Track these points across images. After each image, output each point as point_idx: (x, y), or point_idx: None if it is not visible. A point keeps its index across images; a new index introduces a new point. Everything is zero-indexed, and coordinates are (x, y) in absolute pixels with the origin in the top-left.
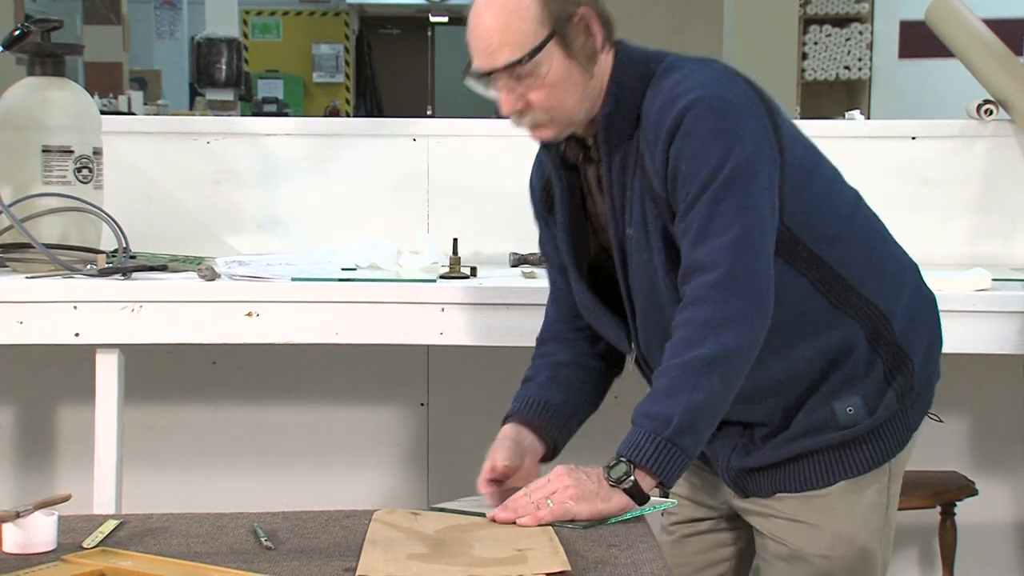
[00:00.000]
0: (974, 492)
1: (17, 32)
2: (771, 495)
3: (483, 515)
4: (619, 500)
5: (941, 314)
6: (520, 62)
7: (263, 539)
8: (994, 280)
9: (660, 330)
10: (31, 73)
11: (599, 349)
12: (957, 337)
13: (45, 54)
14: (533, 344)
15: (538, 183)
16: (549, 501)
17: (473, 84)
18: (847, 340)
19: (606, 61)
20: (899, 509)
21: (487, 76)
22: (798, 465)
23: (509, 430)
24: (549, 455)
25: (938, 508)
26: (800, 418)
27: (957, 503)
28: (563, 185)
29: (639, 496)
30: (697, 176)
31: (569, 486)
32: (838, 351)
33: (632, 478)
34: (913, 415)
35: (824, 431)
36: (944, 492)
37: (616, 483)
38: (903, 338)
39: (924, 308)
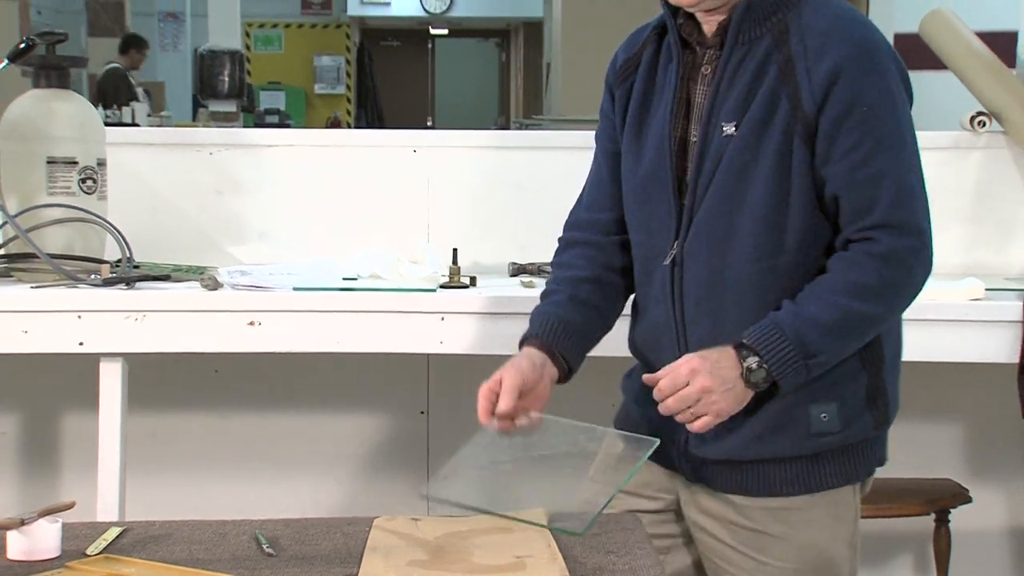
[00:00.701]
0: (968, 499)
1: (23, 45)
2: (730, 492)
3: (485, 512)
4: (746, 398)
5: (936, 323)
6: None
7: (265, 546)
8: (987, 290)
9: (720, 235)
10: (36, 85)
11: (621, 262)
12: (951, 346)
13: (50, 66)
14: None
15: (623, 55)
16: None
17: None
18: None
19: None
20: (894, 516)
21: None
22: (764, 468)
23: (529, 352)
24: (563, 378)
25: (932, 515)
26: (772, 412)
27: (951, 510)
28: (679, 62)
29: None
30: (879, 120)
31: (716, 400)
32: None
33: (765, 385)
34: (879, 451)
35: (794, 435)
36: (938, 499)
37: (752, 386)
38: (888, 371)
39: (898, 357)
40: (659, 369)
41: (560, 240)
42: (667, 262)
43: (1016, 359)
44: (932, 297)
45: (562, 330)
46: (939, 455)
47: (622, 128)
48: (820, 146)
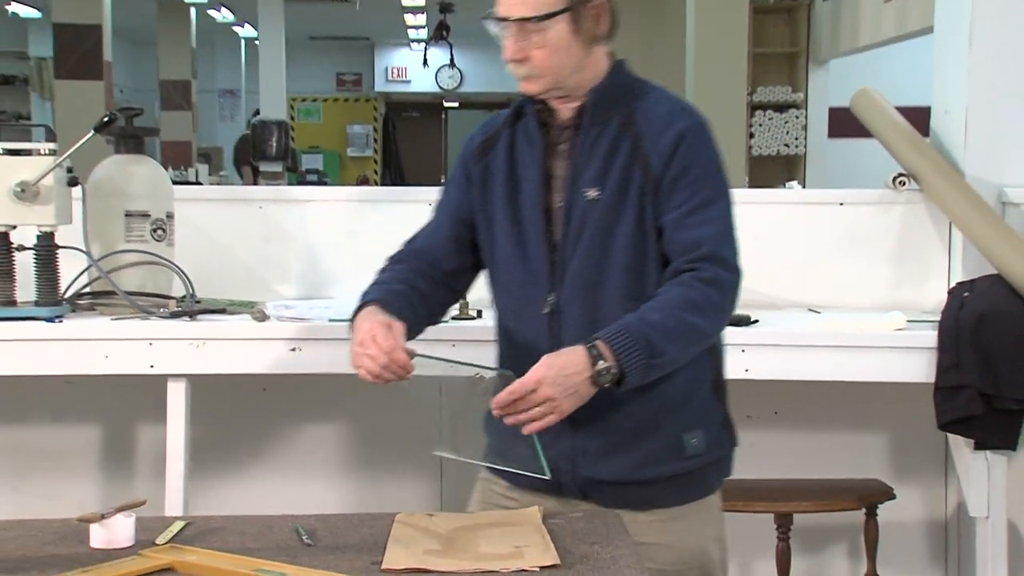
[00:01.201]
0: (893, 496)
1: (106, 118)
2: (618, 508)
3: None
4: (588, 397)
5: (865, 349)
6: (530, 19)
7: (304, 537)
8: (908, 321)
9: (591, 284)
10: (117, 151)
11: (440, 296)
12: (878, 368)
13: (128, 136)
14: None
15: (480, 137)
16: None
17: (489, 24)
18: (700, 378)
19: (603, 51)
20: (830, 511)
21: (501, 21)
22: (648, 487)
23: (372, 309)
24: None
25: (863, 510)
26: (652, 442)
27: (879, 506)
28: (538, 143)
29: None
30: (708, 178)
31: (558, 404)
32: (692, 386)
33: (611, 384)
34: (731, 464)
35: (672, 458)
36: (868, 496)
37: (598, 386)
38: (729, 402)
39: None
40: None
41: (389, 259)
42: (546, 311)
43: (932, 379)
44: (862, 327)
45: (396, 297)
46: (868, 459)
47: (482, 201)
48: (662, 198)
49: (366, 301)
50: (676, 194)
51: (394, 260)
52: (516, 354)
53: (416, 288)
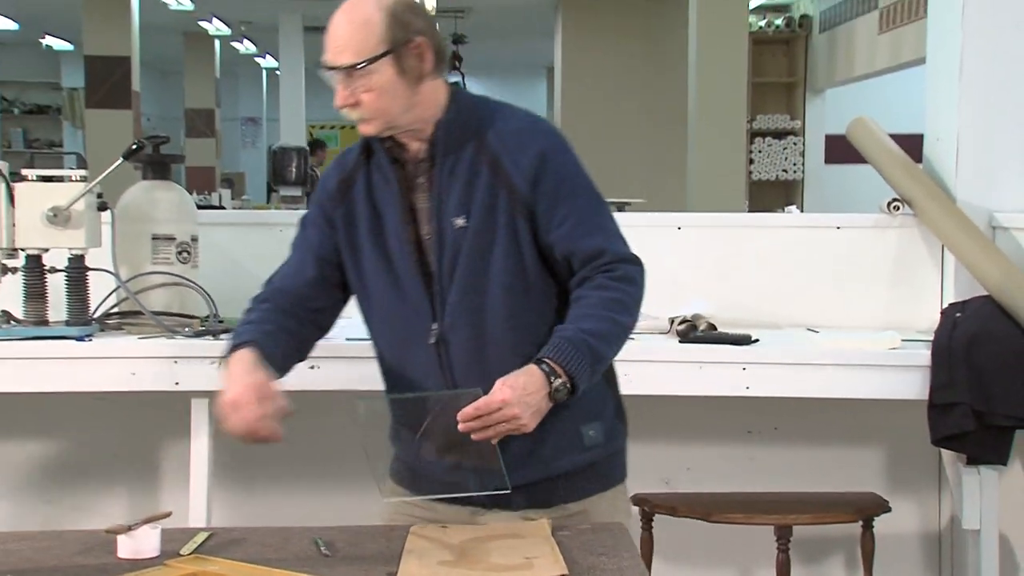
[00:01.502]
0: (888, 509)
1: (134, 146)
2: (526, 509)
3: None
4: (546, 411)
5: (861, 367)
6: (355, 66)
7: (322, 548)
8: (903, 340)
9: (474, 309)
10: (144, 177)
11: (307, 332)
12: (874, 385)
13: (155, 163)
14: None
15: (336, 178)
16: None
17: (321, 73)
18: None
19: (436, 84)
20: (828, 523)
21: (330, 70)
22: (552, 484)
23: (242, 356)
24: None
25: (860, 522)
26: (552, 439)
27: (875, 518)
28: (394, 179)
29: None
30: (581, 188)
31: (523, 423)
32: None
33: (565, 397)
34: (625, 455)
35: (572, 452)
36: (864, 509)
37: (555, 401)
38: (619, 391)
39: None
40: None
41: (253, 300)
42: (432, 341)
43: (926, 396)
44: (858, 346)
45: (268, 338)
46: (865, 473)
47: (349, 243)
48: (541, 219)
49: (240, 343)
50: (556, 210)
51: (259, 300)
52: (406, 386)
53: (285, 328)
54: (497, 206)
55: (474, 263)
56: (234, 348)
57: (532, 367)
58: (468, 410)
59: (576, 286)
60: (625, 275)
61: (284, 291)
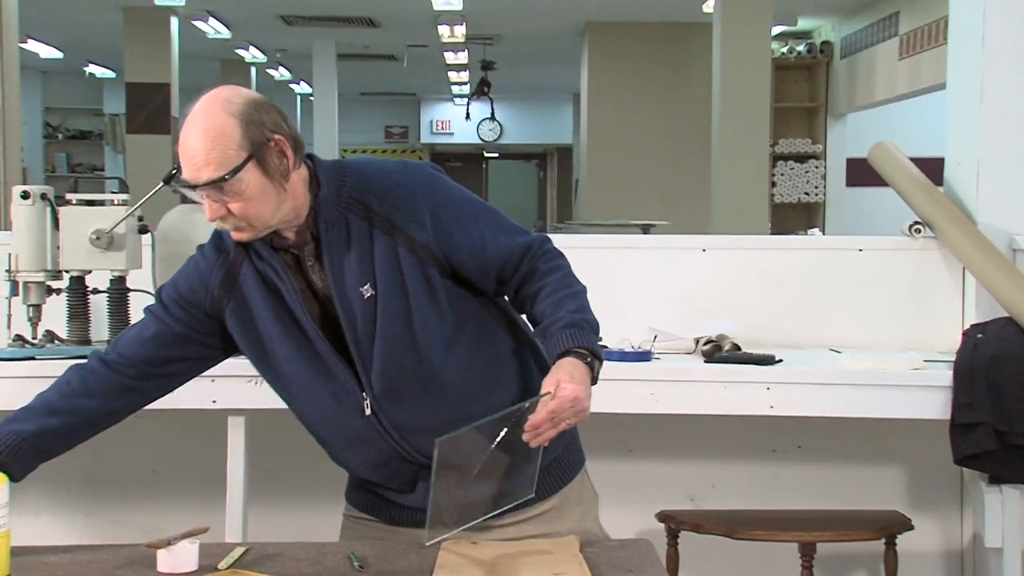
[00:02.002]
0: (911, 527)
1: (174, 171)
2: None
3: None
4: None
5: (884, 387)
6: (223, 179)
7: (356, 563)
8: (925, 361)
9: (404, 368)
10: (183, 201)
11: (117, 404)
12: (897, 405)
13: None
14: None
15: (217, 275)
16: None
17: (182, 189)
18: (529, 369)
19: (299, 173)
20: (851, 541)
21: (194, 188)
22: (540, 477)
23: None
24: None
25: (882, 540)
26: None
27: (898, 536)
28: (281, 266)
29: None
30: (471, 207)
31: (586, 408)
32: (528, 379)
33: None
34: (580, 443)
35: (548, 449)
36: (887, 527)
37: (595, 380)
38: None
39: None
40: (393, 477)
41: (94, 356)
42: (368, 413)
43: (948, 416)
44: (881, 366)
45: (18, 445)
46: (887, 492)
47: (248, 339)
48: (458, 252)
49: None
50: (465, 236)
51: (80, 369)
52: (353, 455)
53: (73, 415)
54: (401, 265)
55: (394, 326)
56: None
57: (568, 359)
58: (542, 414)
59: (522, 282)
60: (553, 252)
61: (128, 359)
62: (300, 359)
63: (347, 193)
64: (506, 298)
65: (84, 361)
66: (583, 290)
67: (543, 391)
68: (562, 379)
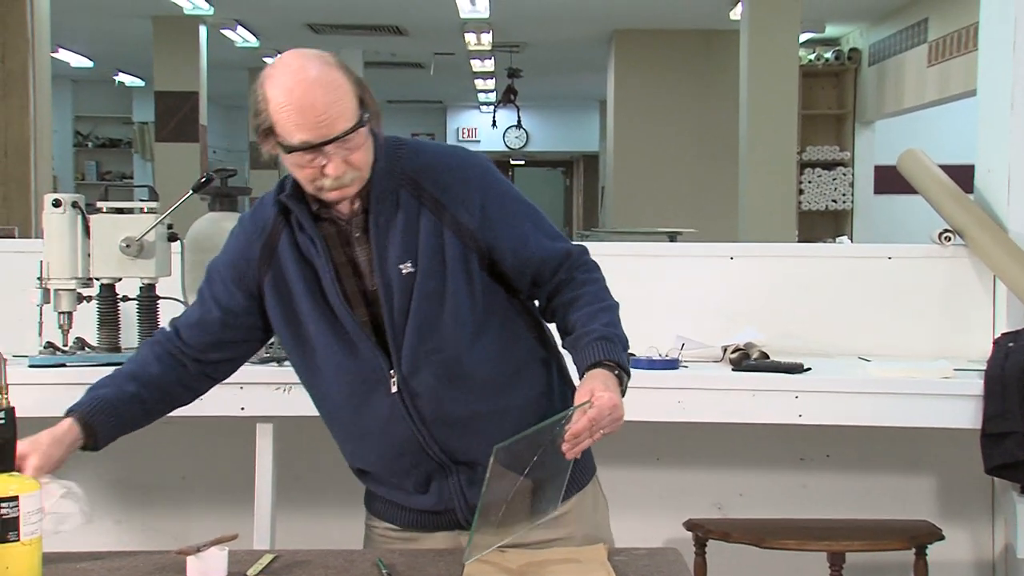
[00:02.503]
0: (941, 537)
1: (203, 179)
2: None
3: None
4: None
5: (914, 396)
6: (354, 128)
7: (384, 571)
8: (955, 370)
9: (434, 348)
10: (212, 209)
11: (192, 383)
12: (927, 414)
13: (223, 195)
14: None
15: (257, 242)
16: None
17: (297, 158)
18: (550, 376)
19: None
20: (881, 551)
21: (321, 145)
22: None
23: (63, 424)
24: (90, 448)
25: (913, 550)
26: None
27: (928, 546)
28: (320, 238)
29: None
30: (519, 204)
31: (622, 415)
32: (547, 385)
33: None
34: (591, 451)
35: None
36: (917, 537)
37: (623, 393)
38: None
39: None
40: (407, 471)
41: (158, 332)
42: (395, 390)
43: (979, 425)
44: (911, 375)
45: (105, 408)
46: (917, 501)
47: (282, 310)
48: (501, 245)
49: (75, 408)
50: (514, 233)
51: (153, 342)
52: (371, 440)
53: (152, 386)
54: (444, 246)
55: (428, 306)
56: (71, 409)
57: (598, 370)
58: (583, 422)
59: (556, 289)
60: (591, 264)
61: (183, 340)
62: (330, 334)
63: (401, 169)
64: (536, 303)
65: (161, 330)
66: (616, 306)
67: (578, 401)
68: (596, 388)
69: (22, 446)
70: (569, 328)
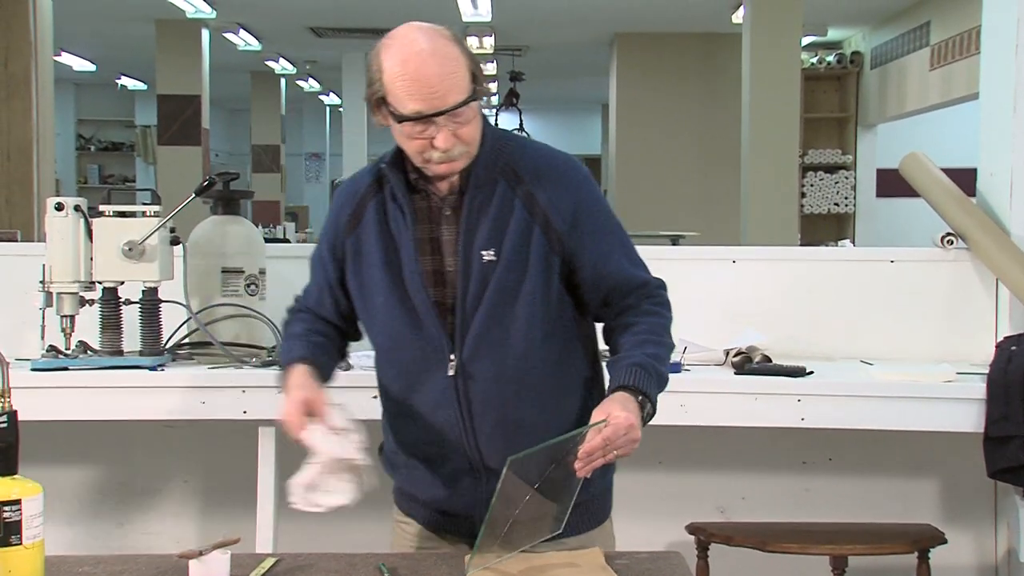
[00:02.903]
0: (944, 541)
1: (205, 182)
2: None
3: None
4: None
5: (917, 400)
6: (465, 102)
7: (386, 574)
8: (958, 373)
9: (497, 341)
10: (214, 212)
11: (336, 347)
12: (930, 417)
13: (225, 198)
14: None
15: (348, 208)
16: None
17: (408, 128)
18: (592, 402)
19: None
20: (884, 555)
21: (433, 116)
22: (572, 515)
23: (302, 370)
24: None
25: (915, 554)
26: None
27: (931, 550)
28: (411, 211)
29: None
30: (611, 221)
31: (637, 436)
32: (587, 410)
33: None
34: (612, 488)
35: (588, 486)
36: (920, 541)
37: (644, 422)
38: None
39: None
40: (440, 462)
41: (291, 310)
42: (451, 374)
43: (981, 429)
44: (914, 379)
45: (317, 349)
46: (920, 505)
47: (357, 274)
48: (583, 256)
49: (294, 358)
50: (599, 247)
51: (295, 311)
52: (417, 422)
53: (327, 336)
54: (530, 242)
55: (501, 296)
56: (289, 362)
57: (622, 393)
58: (596, 440)
59: (619, 313)
60: (664, 300)
61: (312, 309)
62: (398, 307)
63: (505, 160)
64: (602, 324)
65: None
66: (671, 346)
67: (595, 420)
68: (614, 409)
69: (292, 392)
70: (616, 349)
